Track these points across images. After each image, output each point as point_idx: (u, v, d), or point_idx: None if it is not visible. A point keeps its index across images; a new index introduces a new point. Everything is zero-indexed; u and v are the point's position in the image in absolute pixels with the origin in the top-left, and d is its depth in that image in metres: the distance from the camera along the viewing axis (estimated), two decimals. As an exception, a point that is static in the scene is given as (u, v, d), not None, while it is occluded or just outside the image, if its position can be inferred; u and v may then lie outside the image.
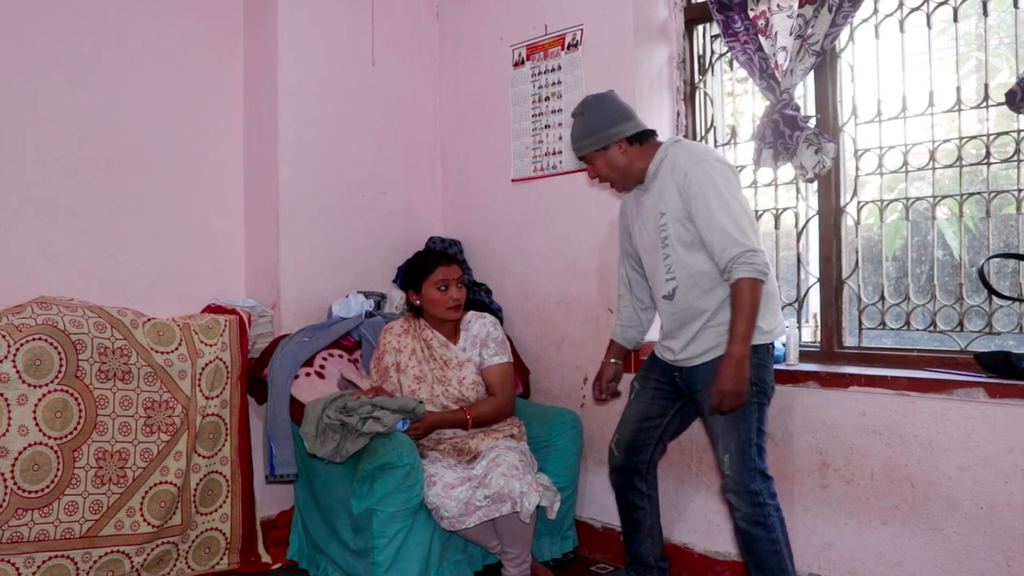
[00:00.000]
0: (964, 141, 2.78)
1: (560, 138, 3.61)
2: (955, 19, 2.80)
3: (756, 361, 2.55)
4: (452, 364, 3.16)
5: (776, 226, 3.26)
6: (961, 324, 2.81)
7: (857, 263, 3.03)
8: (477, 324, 3.26)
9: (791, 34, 2.98)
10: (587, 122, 2.72)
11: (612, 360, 3.05)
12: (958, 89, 2.79)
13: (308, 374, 3.27)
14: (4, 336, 2.79)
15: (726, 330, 2.55)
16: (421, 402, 2.99)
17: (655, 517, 2.96)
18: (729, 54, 3.26)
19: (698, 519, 3.22)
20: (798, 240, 3.19)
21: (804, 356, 3.10)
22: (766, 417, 2.63)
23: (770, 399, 2.67)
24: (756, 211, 3.31)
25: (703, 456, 3.19)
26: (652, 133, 2.76)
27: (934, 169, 2.86)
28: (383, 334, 3.27)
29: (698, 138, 3.47)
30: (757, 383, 2.56)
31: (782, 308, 3.24)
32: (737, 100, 3.47)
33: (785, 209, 3.24)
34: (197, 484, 3.23)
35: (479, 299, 3.82)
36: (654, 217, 2.69)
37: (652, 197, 2.70)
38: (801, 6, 2.93)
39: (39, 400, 2.86)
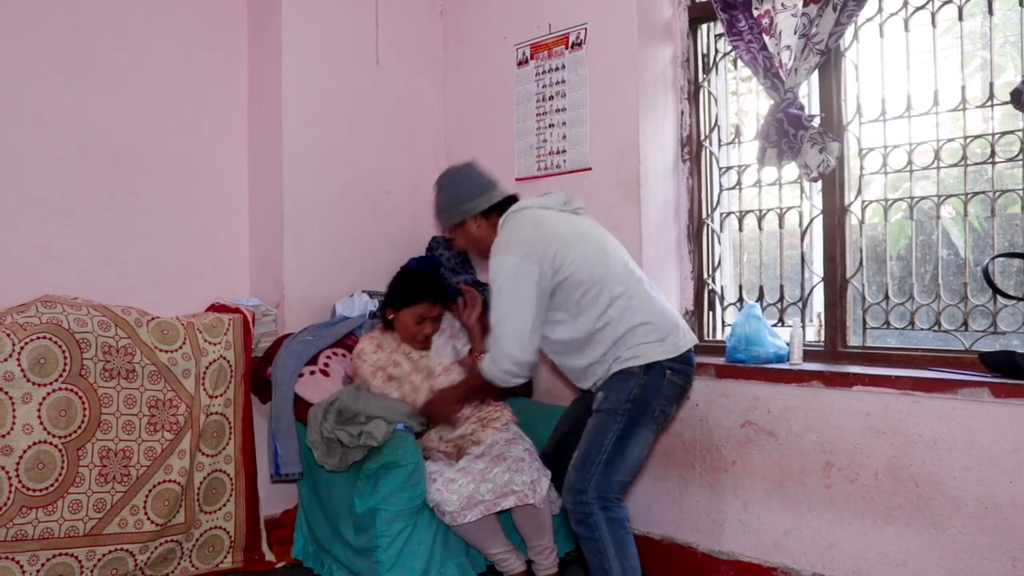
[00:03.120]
0: (969, 140, 2.77)
1: (564, 137, 3.61)
2: (960, 18, 2.80)
3: (645, 381, 2.57)
4: (437, 372, 3.16)
5: (780, 225, 3.26)
6: (966, 323, 2.81)
7: (861, 262, 3.02)
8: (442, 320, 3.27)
9: (795, 33, 2.98)
10: (444, 197, 2.83)
11: None
12: (963, 88, 2.78)
13: (313, 372, 3.27)
14: (9, 335, 2.80)
15: (611, 364, 2.61)
16: (411, 415, 2.98)
17: None
18: (733, 53, 3.26)
19: (702, 518, 3.21)
20: (802, 239, 3.18)
21: (808, 355, 3.09)
22: (637, 436, 2.58)
23: (657, 424, 2.64)
24: (760, 210, 3.31)
25: (706, 456, 3.19)
26: (510, 202, 2.79)
27: (939, 168, 2.85)
28: (357, 356, 3.16)
29: (702, 137, 3.47)
30: (634, 400, 2.56)
31: (786, 308, 3.25)
32: (741, 99, 3.47)
33: (789, 208, 3.24)
34: (201, 483, 3.23)
35: (483, 300, 3.82)
36: None
37: None
38: (805, 5, 2.93)
39: (44, 399, 2.86)
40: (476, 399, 3.08)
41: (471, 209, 2.76)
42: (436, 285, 3.20)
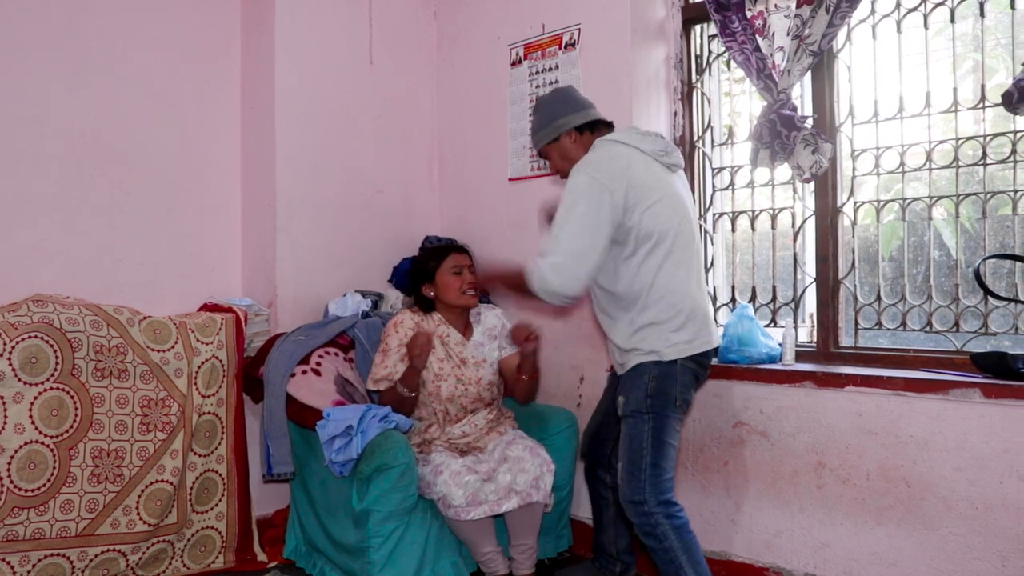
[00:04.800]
0: (961, 142, 2.78)
1: (557, 137, 3.61)
2: (952, 20, 2.81)
3: (658, 373, 2.56)
4: (470, 363, 3.15)
5: (773, 226, 3.27)
6: (957, 325, 2.82)
7: (853, 263, 3.03)
8: (491, 316, 3.29)
9: (788, 34, 2.98)
10: (539, 116, 2.81)
11: None
12: (955, 90, 2.79)
13: (305, 372, 3.26)
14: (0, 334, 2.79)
15: (641, 351, 2.58)
16: None
17: (619, 510, 2.97)
18: (726, 54, 3.27)
19: (694, 518, 3.20)
20: (795, 240, 3.19)
21: (800, 356, 3.10)
22: (669, 429, 2.57)
23: (681, 412, 2.61)
24: (753, 211, 3.32)
25: (699, 456, 3.19)
26: (606, 125, 2.78)
27: (931, 170, 2.87)
28: (393, 326, 3.14)
29: (695, 138, 3.47)
30: (654, 395, 2.56)
31: (778, 308, 3.26)
32: (734, 100, 3.47)
33: (782, 209, 3.24)
34: (193, 483, 3.22)
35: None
36: None
37: None
38: (799, 6, 2.94)
39: (35, 398, 2.85)
40: (516, 293, 2.70)
41: (567, 124, 2.73)
42: (452, 242, 3.26)
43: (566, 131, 2.73)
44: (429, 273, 3.15)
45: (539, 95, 2.91)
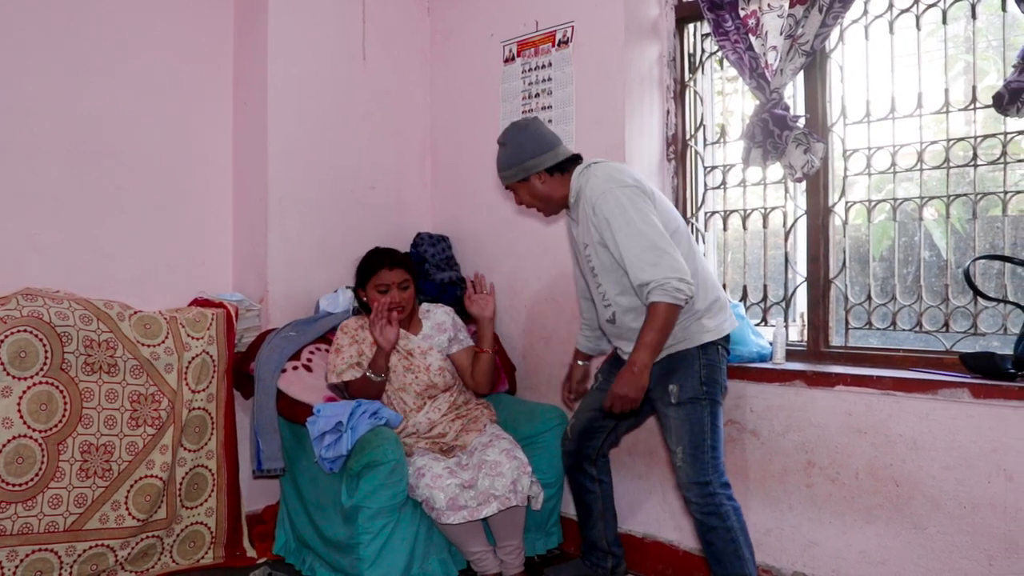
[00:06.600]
0: (952, 143, 2.79)
1: (550, 135, 3.60)
2: (944, 21, 2.82)
3: (706, 361, 2.64)
4: (416, 353, 3.20)
5: (764, 225, 3.27)
6: (947, 325, 2.83)
7: (844, 263, 3.04)
8: (439, 312, 3.35)
9: (781, 34, 2.99)
10: (508, 153, 2.79)
11: (579, 362, 3.16)
12: (946, 91, 2.80)
13: (296, 367, 3.26)
14: (-11, 328, 2.78)
15: (688, 340, 2.65)
16: None
17: (607, 502, 3.05)
18: (719, 53, 3.27)
19: (684, 516, 3.22)
20: (786, 239, 3.20)
21: (791, 355, 3.11)
22: (720, 415, 2.68)
23: (724, 397, 2.72)
24: (745, 210, 3.32)
25: (689, 454, 3.20)
26: (574, 160, 2.80)
27: (922, 170, 2.88)
28: (339, 331, 3.23)
29: (687, 136, 3.48)
30: (707, 383, 2.64)
31: (769, 307, 3.27)
32: (727, 99, 3.48)
33: (773, 208, 3.25)
34: (183, 478, 3.22)
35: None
36: (581, 247, 2.77)
37: (577, 226, 2.77)
38: (792, 6, 2.94)
39: (24, 392, 2.84)
40: (661, 344, 2.57)
41: (537, 165, 2.74)
42: (391, 252, 3.23)
43: (536, 172, 2.75)
44: (362, 283, 3.20)
45: (512, 121, 2.90)
